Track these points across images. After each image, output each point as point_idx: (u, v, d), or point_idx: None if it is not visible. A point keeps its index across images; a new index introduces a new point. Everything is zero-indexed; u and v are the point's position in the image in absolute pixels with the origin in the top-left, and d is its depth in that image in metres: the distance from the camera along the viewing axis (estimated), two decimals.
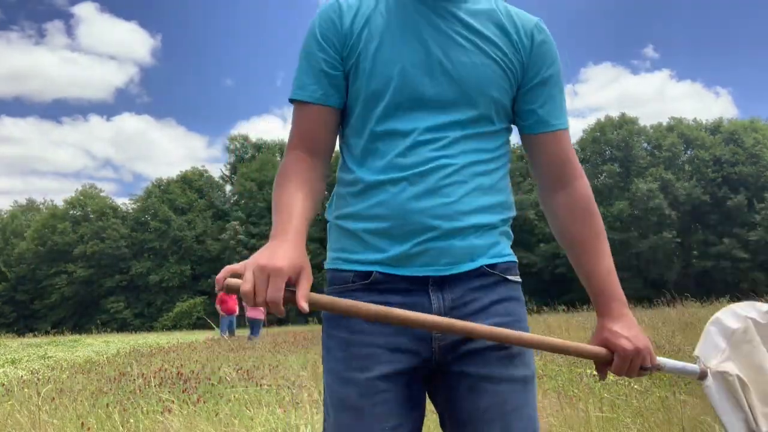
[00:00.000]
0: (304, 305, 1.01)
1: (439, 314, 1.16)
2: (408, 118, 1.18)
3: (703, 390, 1.23)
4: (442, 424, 1.25)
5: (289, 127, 1.30)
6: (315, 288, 1.07)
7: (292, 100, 1.26)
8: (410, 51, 1.19)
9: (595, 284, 1.24)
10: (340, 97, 1.24)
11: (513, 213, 1.29)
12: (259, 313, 14.86)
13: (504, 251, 1.24)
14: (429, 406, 1.25)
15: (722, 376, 1.22)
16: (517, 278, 1.27)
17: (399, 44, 1.20)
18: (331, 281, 1.25)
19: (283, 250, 1.03)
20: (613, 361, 1.18)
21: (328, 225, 1.29)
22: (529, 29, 1.25)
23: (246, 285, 0.99)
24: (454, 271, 1.18)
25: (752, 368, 1.24)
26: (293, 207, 1.14)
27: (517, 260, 1.28)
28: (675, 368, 1.23)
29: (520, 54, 1.24)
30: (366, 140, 1.21)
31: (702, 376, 1.22)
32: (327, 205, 1.33)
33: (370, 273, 1.19)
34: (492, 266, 1.21)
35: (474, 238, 1.18)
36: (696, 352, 1.26)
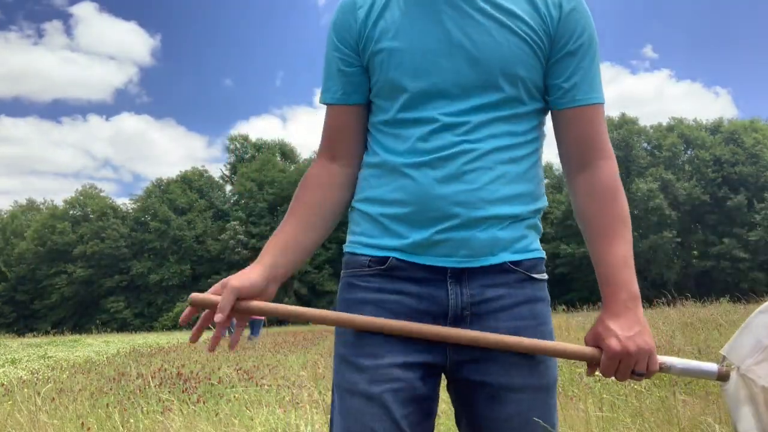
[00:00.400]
0: (221, 316, 1.12)
1: (455, 315, 1.13)
2: (431, 105, 1.14)
3: (724, 392, 1.09)
4: (458, 422, 1.21)
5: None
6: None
7: (322, 103, 1.27)
8: (428, 37, 1.14)
9: (604, 272, 1.13)
10: (362, 94, 1.22)
11: (544, 204, 1.21)
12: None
13: (531, 246, 1.17)
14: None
15: (747, 382, 1.06)
16: (544, 276, 1.20)
17: (417, 31, 1.15)
18: (347, 264, 1.22)
19: (247, 272, 1.17)
20: (599, 364, 1.09)
21: (349, 209, 1.26)
22: (557, 0, 1.16)
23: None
24: (475, 265, 1.12)
25: None
26: (283, 237, 1.22)
27: (545, 256, 1.21)
28: (688, 369, 1.10)
29: (548, 26, 1.15)
30: (390, 126, 1.18)
31: (723, 377, 1.07)
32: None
33: (386, 258, 1.15)
34: (516, 263, 1.15)
35: (497, 230, 1.12)
36: (724, 350, 1.11)
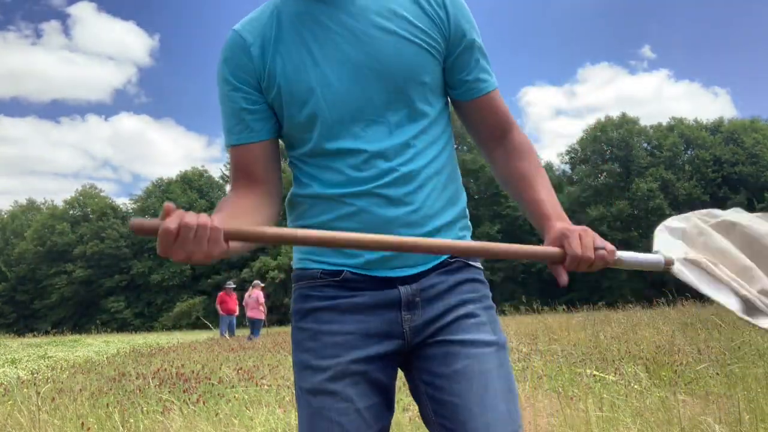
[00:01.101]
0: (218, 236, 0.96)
1: (409, 301, 1.20)
2: (351, 132, 1.17)
3: (676, 275, 1.20)
4: (423, 412, 1.22)
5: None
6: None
7: (228, 146, 1.25)
8: (331, 65, 1.16)
9: (538, 209, 1.21)
10: (271, 128, 1.23)
11: (464, 195, 1.32)
12: (259, 314, 14.88)
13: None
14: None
15: (691, 262, 1.21)
16: (479, 264, 1.30)
17: (316, 60, 1.16)
18: (298, 278, 1.27)
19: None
20: (566, 255, 1.11)
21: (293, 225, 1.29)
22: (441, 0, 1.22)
23: (170, 224, 0.93)
24: (422, 269, 1.21)
25: (715, 253, 1.23)
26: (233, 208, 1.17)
27: None
28: (636, 260, 1.19)
29: (439, 27, 1.21)
30: (314, 157, 1.21)
31: (668, 263, 1.19)
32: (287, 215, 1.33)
33: (340, 272, 1.21)
34: (455, 258, 1.25)
35: (438, 238, 1.20)
36: (655, 248, 1.23)
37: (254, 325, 14.92)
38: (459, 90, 1.27)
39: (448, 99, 1.31)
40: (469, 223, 1.32)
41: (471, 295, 1.24)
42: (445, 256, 1.23)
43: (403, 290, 1.20)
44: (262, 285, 15.87)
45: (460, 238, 1.26)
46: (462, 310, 1.22)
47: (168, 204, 0.96)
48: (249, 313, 15.01)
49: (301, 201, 1.26)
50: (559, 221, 1.17)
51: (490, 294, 1.30)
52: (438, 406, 1.18)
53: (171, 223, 0.93)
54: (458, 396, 1.15)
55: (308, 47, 1.17)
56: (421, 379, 1.21)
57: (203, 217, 0.96)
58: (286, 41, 1.18)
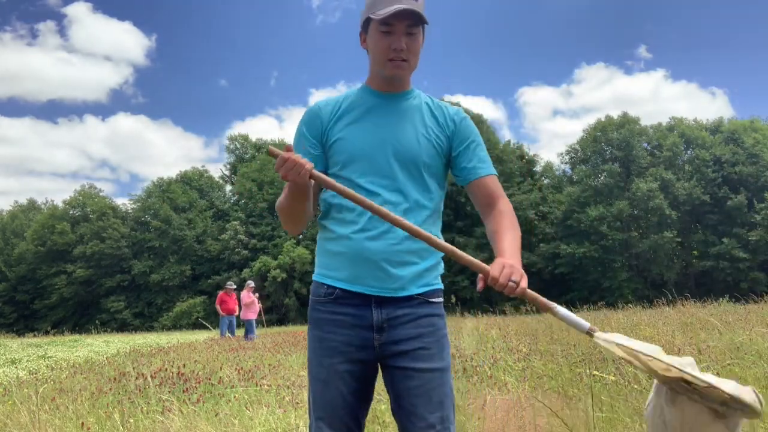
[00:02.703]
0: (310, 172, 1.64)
1: (378, 326, 1.76)
2: (366, 179, 1.77)
3: (596, 341, 1.55)
4: (391, 405, 1.80)
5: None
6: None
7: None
8: (369, 134, 1.80)
9: (498, 249, 1.69)
10: (321, 167, 1.84)
11: (441, 253, 1.80)
12: (252, 314, 14.99)
13: (431, 282, 1.82)
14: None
15: (608, 336, 1.53)
16: (439, 300, 1.84)
17: (361, 131, 1.81)
18: (313, 292, 1.88)
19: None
20: (489, 273, 1.56)
21: (317, 249, 1.89)
22: (451, 116, 1.88)
23: (284, 154, 1.62)
24: (389, 294, 1.76)
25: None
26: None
27: (442, 287, 1.86)
28: (566, 316, 1.57)
29: (446, 131, 1.86)
30: (338, 196, 1.78)
31: (591, 331, 1.55)
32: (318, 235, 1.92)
33: (334, 290, 1.80)
34: (420, 294, 1.79)
35: (403, 271, 1.75)
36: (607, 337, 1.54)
37: (249, 326, 15.03)
38: (462, 174, 1.86)
39: (445, 185, 1.90)
40: (442, 266, 1.87)
41: (428, 329, 1.78)
42: (412, 292, 1.77)
43: (376, 315, 1.76)
44: (252, 285, 15.89)
45: (424, 276, 1.81)
46: (418, 344, 1.75)
47: (289, 144, 1.65)
48: (243, 315, 15.13)
49: (323, 231, 1.91)
50: (507, 258, 1.63)
51: (445, 323, 1.83)
52: (398, 407, 1.76)
53: (286, 153, 1.62)
54: (411, 405, 1.72)
55: (358, 121, 1.84)
56: (390, 385, 1.79)
57: (304, 159, 1.63)
58: (346, 115, 1.85)
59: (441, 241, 1.67)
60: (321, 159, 1.84)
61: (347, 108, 1.85)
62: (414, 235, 1.64)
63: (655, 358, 1.44)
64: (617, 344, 1.51)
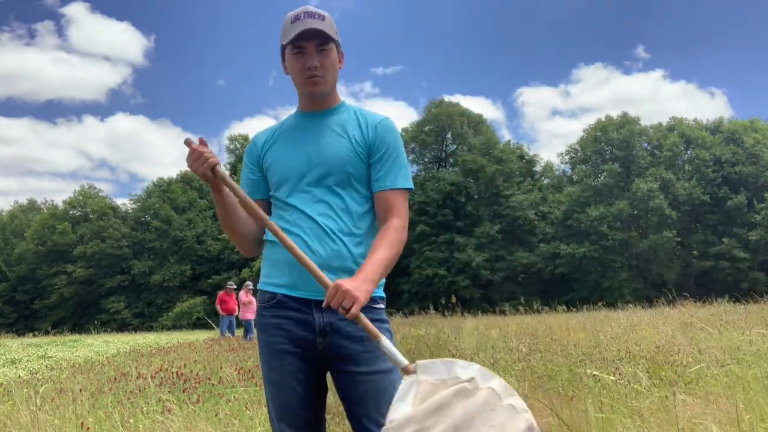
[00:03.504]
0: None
1: (321, 329, 1.81)
2: (295, 197, 1.88)
3: (404, 378, 1.61)
4: (346, 412, 1.84)
5: None
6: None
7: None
8: (296, 152, 1.92)
9: (361, 266, 1.76)
10: (263, 191, 2.00)
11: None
12: (250, 314, 15.01)
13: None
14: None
15: (414, 380, 1.59)
16: (380, 306, 1.88)
17: (290, 150, 1.94)
18: (258, 298, 1.95)
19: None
20: (328, 290, 1.66)
21: (261, 258, 1.97)
22: (374, 124, 1.94)
23: (195, 147, 1.78)
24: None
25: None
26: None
27: (383, 294, 1.91)
28: (389, 350, 1.65)
29: (366, 141, 1.93)
30: (279, 208, 1.93)
31: (407, 371, 1.61)
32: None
33: (276, 295, 1.87)
34: None
35: (342, 277, 1.78)
36: (419, 368, 1.61)
37: (248, 326, 15.05)
38: (372, 183, 1.93)
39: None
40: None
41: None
42: None
43: (318, 319, 1.81)
44: (251, 286, 15.87)
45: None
46: (361, 347, 1.80)
47: (202, 137, 1.81)
48: (241, 315, 15.16)
49: (267, 236, 1.98)
50: (354, 279, 1.69)
51: (388, 329, 1.85)
52: (350, 413, 1.82)
53: (194, 145, 1.79)
54: (362, 408, 1.77)
55: (287, 144, 1.97)
56: (339, 390, 1.84)
57: (209, 152, 1.79)
58: (277, 142, 1.99)
59: (288, 241, 1.76)
60: (261, 183, 1.98)
61: (280, 134, 1.99)
62: (268, 228, 1.81)
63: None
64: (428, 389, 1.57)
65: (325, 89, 1.93)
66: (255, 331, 14.81)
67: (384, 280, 1.89)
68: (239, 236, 1.91)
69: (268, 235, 1.92)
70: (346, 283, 1.65)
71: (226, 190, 1.83)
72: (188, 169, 1.84)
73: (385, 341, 1.66)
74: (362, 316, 1.65)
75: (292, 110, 2.14)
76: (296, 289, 1.84)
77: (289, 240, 1.76)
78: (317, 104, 1.97)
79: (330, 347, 1.81)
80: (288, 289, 1.85)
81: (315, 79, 1.90)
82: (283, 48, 1.94)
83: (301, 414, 1.81)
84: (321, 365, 1.86)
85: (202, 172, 1.76)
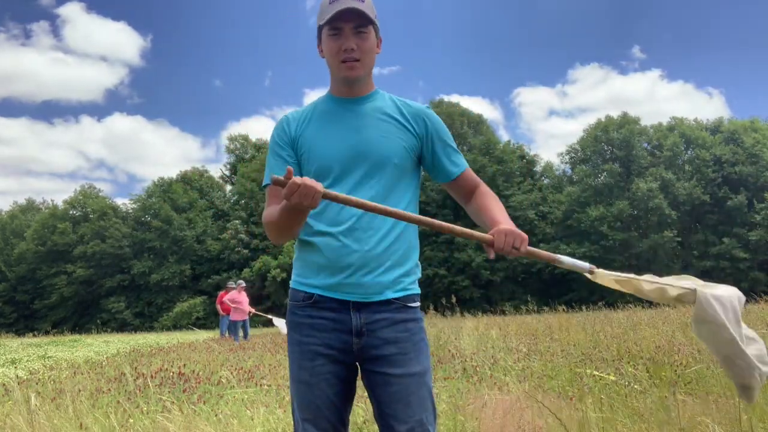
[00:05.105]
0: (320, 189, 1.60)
1: (357, 330, 1.78)
2: (340, 186, 1.78)
3: (594, 278, 1.80)
4: (373, 411, 1.83)
5: None
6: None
7: (265, 186, 1.87)
8: (337, 141, 1.82)
9: (495, 218, 1.79)
10: (297, 175, 1.81)
11: (417, 252, 1.90)
12: (243, 315, 14.85)
13: (407, 287, 1.84)
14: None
15: (606, 273, 1.79)
16: (416, 305, 1.86)
17: (329, 138, 1.83)
18: (291, 297, 1.90)
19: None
20: (493, 241, 1.68)
21: (294, 257, 1.92)
22: (419, 112, 1.90)
23: (297, 180, 1.57)
24: (368, 299, 1.78)
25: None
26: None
27: (419, 291, 1.88)
28: (571, 262, 1.78)
29: (414, 130, 1.87)
30: None
31: (591, 272, 1.79)
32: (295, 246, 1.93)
33: (312, 295, 1.82)
34: (397, 298, 1.81)
35: (383, 278, 1.78)
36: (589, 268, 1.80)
37: (245, 327, 14.91)
38: (441, 173, 1.93)
39: (419, 178, 1.96)
40: (419, 270, 1.91)
41: (404, 335, 1.80)
42: (388, 296, 1.79)
43: (355, 320, 1.78)
44: (244, 285, 15.74)
45: (402, 281, 1.82)
46: (395, 349, 1.78)
47: (289, 168, 1.58)
48: (233, 317, 14.88)
49: (303, 232, 1.90)
50: (505, 224, 1.71)
51: (422, 327, 1.86)
52: (378, 414, 1.80)
53: (299, 179, 1.57)
54: (391, 410, 1.75)
55: (325, 129, 1.86)
56: (370, 389, 1.82)
57: (314, 182, 1.58)
58: (313, 124, 1.88)
59: (438, 222, 1.71)
60: (296, 166, 1.87)
61: (313, 118, 1.88)
62: (410, 221, 1.72)
63: (653, 281, 1.77)
64: (615, 279, 1.77)
65: (360, 74, 1.83)
66: (241, 332, 14.71)
67: (418, 273, 1.90)
68: (293, 237, 1.84)
69: (303, 235, 1.84)
70: (507, 226, 1.69)
71: None
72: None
73: (565, 258, 1.77)
74: (532, 248, 1.70)
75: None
76: (334, 291, 1.79)
77: (429, 219, 1.70)
78: (353, 91, 1.87)
79: (365, 348, 1.78)
80: (325, 290, 1.80)
81: (351, 64, 1.80)
82: (320, 29, 1.83)
83: (328, 416, 1.78)
84: (352, 369, 1.83)
85: (314, 205, 1.60)
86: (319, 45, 1.87)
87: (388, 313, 1.79)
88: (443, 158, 1.90)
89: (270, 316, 13.69)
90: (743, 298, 1.70)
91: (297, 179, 1.56)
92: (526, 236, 1.68)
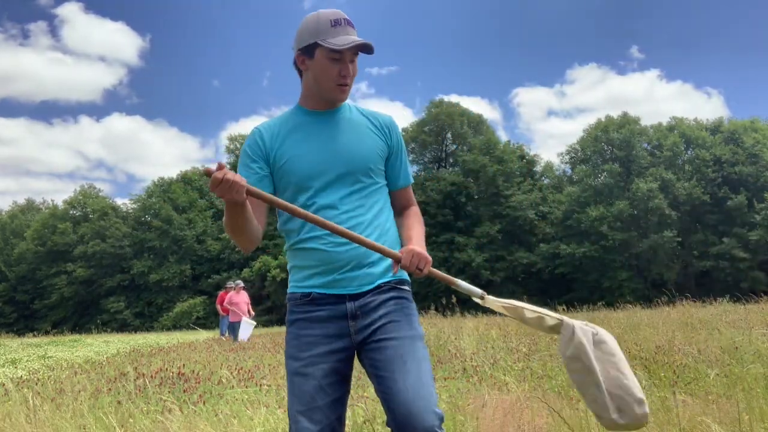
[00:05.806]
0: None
1: (352, 313, 1.89)
2: (324, 194, 1.90)
3: (484, 303, 1.95)
4: (374, 388, 1.87)
5: None
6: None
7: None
8: (316, 152, 1.93)
9: (408, 238, 1.98)
10: (271, 187, 1.95)
11: (399, 245, 2.02)
12: (236, 317, 14.77)
13: (398, 275, 1.96)
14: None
15: (495, 299, 1.97)
16: (406, 287, 2.00)
17: (309, 149, 1.94)
18: (288, 299, 2.00)
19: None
20: (401, 259, 1.83)
21: (288, 266, 2.04)
22: (387, 124, 2.06)
23: (218, 174, 1.66)
24: (362, 290, 1.91)
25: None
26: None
27: (408, 278, 2.01)
28: (465, 287, 1.94)
29: (385, 139, 2.04)
30: (302, 207, 1.89)
31: (482, 296, 1.95)
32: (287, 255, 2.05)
33: (310, 293, 1.93)
34: (386, 282, 1.95)
35: (374, 269, 1.92)
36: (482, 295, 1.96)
37: (242, 328, 14.80)
38: (389, 182, 2.08)
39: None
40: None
41: (394, 307, 1.92)
42: (379, 282, 1.93)
43: (350, 306, 1.89)
44: (242, 285, 15.65)
45: (390, 269, 1.94)
46: (386, 319, 1.89)
47: (220, 162, 1.69)
48: (231, 318, 14.80)
49: (289, 241, 2.02)
50: (415, 245, 1.89)
51: (412, 303, 1.99)
52: (378, 381, 1.84)
53: (219, 173, 1.65)
54: (388, 371, 1.81)
55: (303, 140, 1.97)
56: (368, 365, 1.89)
57: (238, 176, 1.68)
58: (290, 137, 1.97)
59: (351, 233, 1.84)
60: (268, 179, 1.95)
61: (290, 131, 1.97)
62: (325, 227, 1.83)
63: (534, 310, 1.96)
64: (503, 306, 1.94)
65: (347, 97, 2.00)
66: (240, 331, 14.65)
67: None
68: (249, 240, 1.89)
69: (292, 244, 1.97)
70: (416, 247, 1.85)
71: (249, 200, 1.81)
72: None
73: (462, 282, 1.93)
74: (434, 270, 1.86)
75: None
76: (330, 287, 1.90)
77: (340, 227, 1.82)
78: (328, 105, 2.00)
79: (360, 329, 1.88)
80: (321, 288, 1.91)
81: (344, 88, 1.94)
82: (315, 46, 1.90)
83: (322, 408, 1.82)
84: (349, 361, 1.91)
85: (240, 199, 1.70)
86: (306, 58, 1.94)
87: (380, 294, 1.92)
88: (399, 169, 2.08)
89: (247, 319, 13.82)
90: (612, 338, 1.94)
91: (218, 173, 1.64)
92: (430, 259, 1.85)
